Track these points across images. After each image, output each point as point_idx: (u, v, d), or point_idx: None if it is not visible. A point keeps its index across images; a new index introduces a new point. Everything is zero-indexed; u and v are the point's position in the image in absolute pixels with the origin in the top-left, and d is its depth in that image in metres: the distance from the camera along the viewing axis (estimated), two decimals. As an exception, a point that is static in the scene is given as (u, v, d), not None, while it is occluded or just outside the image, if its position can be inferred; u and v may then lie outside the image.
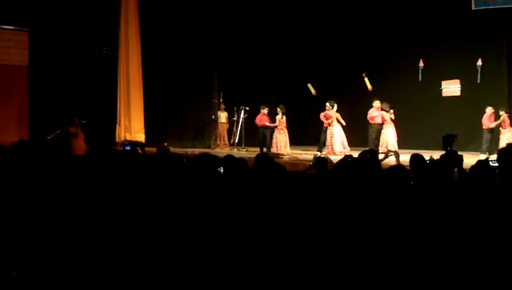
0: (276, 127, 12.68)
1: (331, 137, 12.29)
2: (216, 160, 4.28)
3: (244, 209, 3.41)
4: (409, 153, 7.92)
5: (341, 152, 11.70)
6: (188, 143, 14.27)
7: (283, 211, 3.33)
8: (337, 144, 12.22)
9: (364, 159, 5.48)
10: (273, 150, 12.39)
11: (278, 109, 12.70)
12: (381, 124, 11.90)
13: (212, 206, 3.44)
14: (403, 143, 12.54)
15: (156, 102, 14.71)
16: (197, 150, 12.76)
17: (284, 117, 12.67)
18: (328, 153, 12.01)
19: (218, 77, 14.63)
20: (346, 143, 12.38)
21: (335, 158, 8.39)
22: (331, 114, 12.38)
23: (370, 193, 3.51)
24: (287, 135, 12.65)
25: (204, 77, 14.51)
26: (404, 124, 12.92)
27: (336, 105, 12.53)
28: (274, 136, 12.58)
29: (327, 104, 12.44)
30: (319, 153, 11.89)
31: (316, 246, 3.00)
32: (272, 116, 13.09)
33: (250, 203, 3.47)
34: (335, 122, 12.35)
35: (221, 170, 4.29)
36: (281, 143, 12.51)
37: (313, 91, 13.96)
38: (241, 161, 4.50)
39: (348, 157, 5.54)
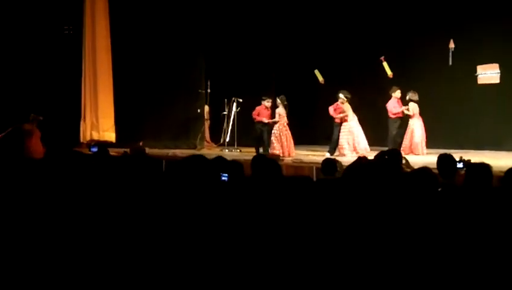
0: (275, 123, 12.68)
1: (349, 134, 12.40)
2: (208, 163, 4.40)
3: (238, 224, 3.49)
4: (435, 153, 8.08)
5: (367, 151, 11.84)
6: (169, 143, 14.30)
7: (283, 226, 3.39)
8: (363, 142, 12.38)
9: (382, 161, 5.56)
10: (274, 151, 12.43)
11: (278, 100, 12.70)
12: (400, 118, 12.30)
13: (199, 223, 3.53)
14: (428, 140, 12.62)
15: (130, 93, 14.70)
16: (179, 151, 12.91)
17: (285, 111, 12.68)
18: (340, 154, 12.11)
19: (205, 63, 14.66)
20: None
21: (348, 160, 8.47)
22: (346, 107, 12.49)
23: (387, 203, 3.57)
24: (289, 132, 12.70)
25: (188, 63, 14.58)
26: (430, 117, 12.95)
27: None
28: (276, 135, 12.56)
29: (341, 95, 12.52)
30: (328, 155, 11.95)
31: (321, 266, 3.05)
32: (272, 111, 13.10)
33: (246, 216, 3.55)
34: (352, 116, 12.49)
35: (224, 177, 4.42)
36: (285, 143, 12.55)
37: (320, 79, 14.02)
38: (236, 164, 4.58)
39: (361, 159, 5.61)
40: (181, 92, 14.56)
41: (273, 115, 12.96)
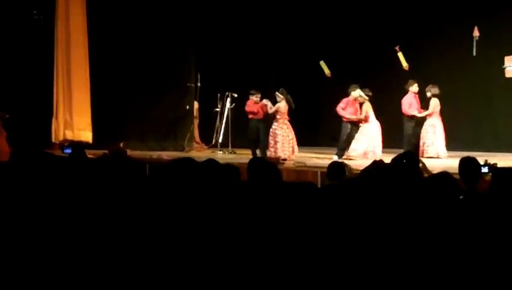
0: (272, 116, 12.58)
1: (368, 138, 12.51)
2: (197, 167, 4.44)
3: (231, 239, 3.50)
4: (456, 155, 8.21)
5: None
6: (154, 144, 14.39)
7: (283, 240, 3.40)
8: (379, 145, 12.52)
9: (400, 166, 5.54)
10: (272, 152, 12.41)
11: (278, 94, 12.60)
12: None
13: (187, 237, 3.54)
14: (448, 141, 12.68)
15: (109, 88, 14.68)
16: (165, 154, 12.95)
17: (287, 106, 12.57)
18: (347, 157, 12.13)
19: (195, 53, 14.72)
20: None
21: (359, 164, 8.42)
22: (367, 107, 12.53)
23: (403, 214, 3.56)
24: (292, 131, 12.63)
25: (176, 53, 14.60)
26: (451, 115, 13.00)
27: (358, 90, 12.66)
28: (272, 134, 12.51)
29: (360, 92, 12.54)
30: (336, 158, 11.96)
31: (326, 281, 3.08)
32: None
33: (241, 229, 3.56)
34: (373, 117, 12.60)
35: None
36: (282, 143, 12.46)
37: (326, 71, 14.02)
38: (230, 168, 4.57)
39: (377, 163, 5.57)
40: (167, 86, 14.66)
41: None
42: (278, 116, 12.48)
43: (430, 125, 12.61)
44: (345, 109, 12.69)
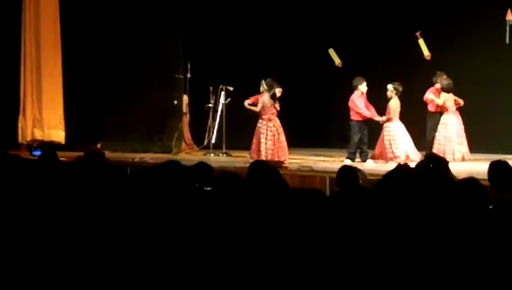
0: (260, 114, 12.25)
1: (392, 139, 12.41)
2: (186, 172, 4.51)
3: (226, 258, 3.55)
4: (485, 159, 8.35)
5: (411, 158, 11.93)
6: (137, 144, 14.41)
7: (287, 258, 3.42)
8: (411, 148, 12.43)
9: (426, 171, 5.56)
10: (257, 155, 12.13)
11: (263, 85, 12.20)
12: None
13: (172, 254, 3.61)
14: (475, 143, 12.68)
15: (84, 79, 14.62)
16: (149, 156, 12.93)
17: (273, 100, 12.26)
18: (370, 160, 12.33)
19: (185, 40, 14.62)
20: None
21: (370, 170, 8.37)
22: (394, 104, 12.38)
23: (424, 227, 3.56)
24: (280, 128, 12.32)
25: (162, 39, 14.54)
26: (477, 111, 13.03)
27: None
28: (258, 132, 12.26)
29: (390, 86, 12.39)
30: (348, 161, 11.95)
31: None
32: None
33: (238, 245, 3.60)
34: (397, 117, 12.49)
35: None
36: (261, 145, 12.21)
37: (337, 61, 13.98)
38: (229, 176, 4.53)
39: (400, 169, 5.48)
40: (152, 77, 14.53)
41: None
42: (262, 113, 12.23)
43: (442, 123, 12.58)
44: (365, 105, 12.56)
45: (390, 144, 12.33)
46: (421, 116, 12.91)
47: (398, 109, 12.39)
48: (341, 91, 13.31)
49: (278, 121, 12.24)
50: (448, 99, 12.50)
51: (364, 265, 3.35)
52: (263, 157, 11.74)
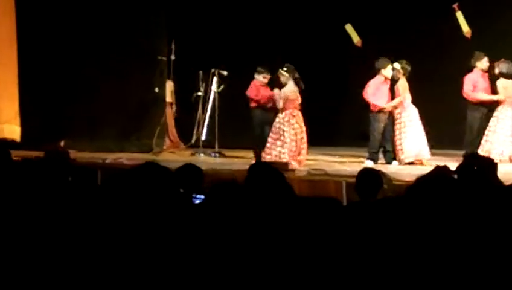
0: (278, 107, 12.40)
1: (402, 126, 12.68)
2: (169, 176, 4.58)
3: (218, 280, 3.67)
4: None
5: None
6: (110, 143, 14.50)
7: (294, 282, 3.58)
8: (424, 142, 12.73)
9: (469, 175, 5.86)
10: (274, 156, 12.23)
11: (283, 73, 12.39)
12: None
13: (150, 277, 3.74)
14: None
15: (45, 65, 14.58)
16: (126, 156, 13.10)
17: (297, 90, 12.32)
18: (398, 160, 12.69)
19: (168, 16, 14.83)
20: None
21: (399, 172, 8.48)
22: (402, 86, 12.50)
23: (468, 244, 3.69)
24: (303, 126, 12.44)
25: (141, 15, 14.65)
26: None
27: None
28: (275, 129, 12.38)
29: (397, 65, 12.60)
30: (370, 163, 12.11)
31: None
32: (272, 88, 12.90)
33: (233, 264, 3.72)
34: (409, 99, 12.70)
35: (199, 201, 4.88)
36: (290, 143, 12.33)
37: (355, 39, 14.41)
38: (226, 185, 4.44)
39: (438, 171, 5.87)
40: (129, 60, 14.59)
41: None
42: (284, 106, 12.32)
43: (494, 117, 12.73)
44: (375, 95, 12.69)
45: (400, 133, 12.77)
46: (455, 106, 13.39)
47: (408, 92, 12.73)
48: (360, 76, 13.40)
49: (301, 117, 12.38)
50: (509, 88, 12.38)
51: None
52: (286, 159, 12.18)
